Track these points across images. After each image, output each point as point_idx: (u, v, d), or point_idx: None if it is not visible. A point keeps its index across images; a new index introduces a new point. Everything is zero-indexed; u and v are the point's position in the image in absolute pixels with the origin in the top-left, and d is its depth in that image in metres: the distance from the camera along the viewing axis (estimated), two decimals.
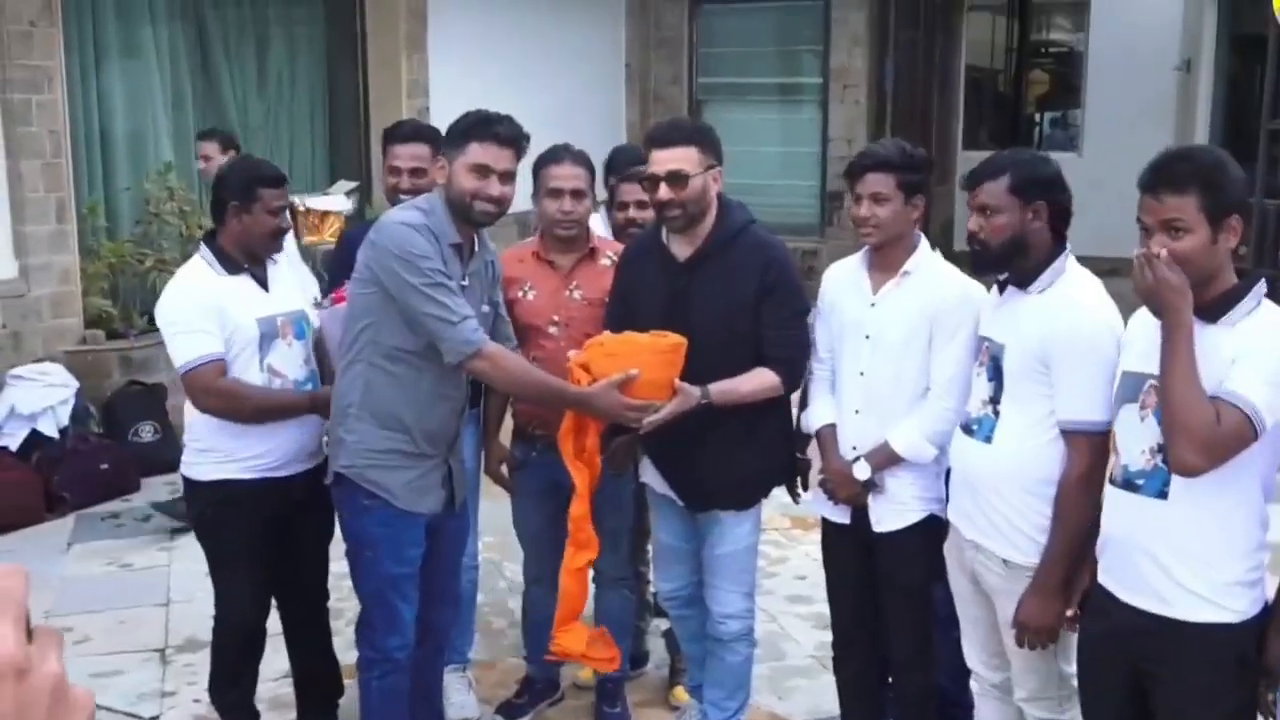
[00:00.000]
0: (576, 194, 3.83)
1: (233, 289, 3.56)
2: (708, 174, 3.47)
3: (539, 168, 3.85)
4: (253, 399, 3.53)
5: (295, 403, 3.59)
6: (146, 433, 7.04)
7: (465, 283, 3.30)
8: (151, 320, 7.38)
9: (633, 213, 4.17)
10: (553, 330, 3.85)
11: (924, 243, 3.43)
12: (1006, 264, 3.05)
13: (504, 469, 4.03)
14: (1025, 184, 2.99)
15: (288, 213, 3.70)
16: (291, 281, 3.81)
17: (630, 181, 4.28)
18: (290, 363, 3.62)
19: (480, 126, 3.27)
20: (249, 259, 3.62)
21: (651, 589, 4.36)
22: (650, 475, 3.76)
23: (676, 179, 3.42)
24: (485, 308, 3.43)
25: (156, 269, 7.36)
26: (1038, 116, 16.94)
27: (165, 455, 6.99)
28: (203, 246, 3.64)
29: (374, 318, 3.26)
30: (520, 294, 3.88)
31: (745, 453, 3.57)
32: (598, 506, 3.62)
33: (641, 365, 3.32)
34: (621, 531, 4.02)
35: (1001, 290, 3.14)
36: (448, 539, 3.58)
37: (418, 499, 3.39)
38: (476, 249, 3.40)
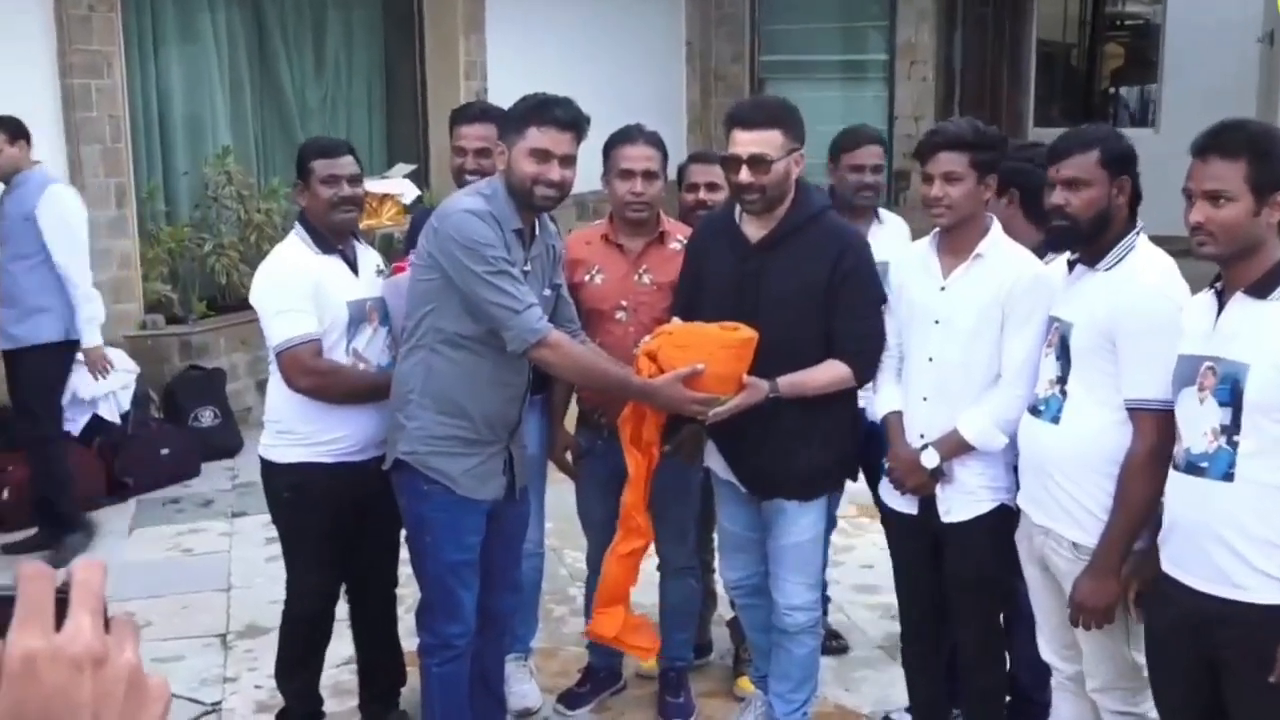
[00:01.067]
0: (649, 175, 3.84)
1: (326, 269, 3.62)
2: (790, 157, 3.46)
3: (610, 148, 3.87)
4: (349, 379, 3.60)
5: (384, 384, 3.63)
6: (206, 418, 7.15)
7: (528, 268, 3.33)
8: (210, 304, 7.53)
9: (703, 195, 4.18)
10: (620, 316, 3.86)
11: (996, 224, 3.41)
12: (1092, 240, 3.04)
13: (569, 456, 4.07)
14: (1114, 158, 3.00)
15: (347, 184, 3.67)
16: (373, 267, 3.85)
17: (702, 163, 4.28)
18: (374, 348, 3.68)
19: (539, 110, 3.29)
20: (337, 239, 3.67)
21: (717, 578, 4.37)
22: (714, 461, 3.77)
23: (759, 163, 3.41)
24: (547, 292, 3.46)
25: (215, 254, 7.50)
26: (1113, 92, 16.69)
27: (225, 441, 7.13)
28: (297, 225, 3.70)
29: (435, 303, 3.30)
30: (587, 278, 3.89)
31: (811, 443, 3.57)
32: (662, 494, 3.64)
33: (710, 359, 3.32)
34: (687, 520, 4.04)
35: (1071, 269, 3.14)
36: (509, 526, 3.62)
37: (478, 486, 3.43)
38: (538, 233, 3.43)
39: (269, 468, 3.71)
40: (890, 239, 4.20)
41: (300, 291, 3.54)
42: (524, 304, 3.20)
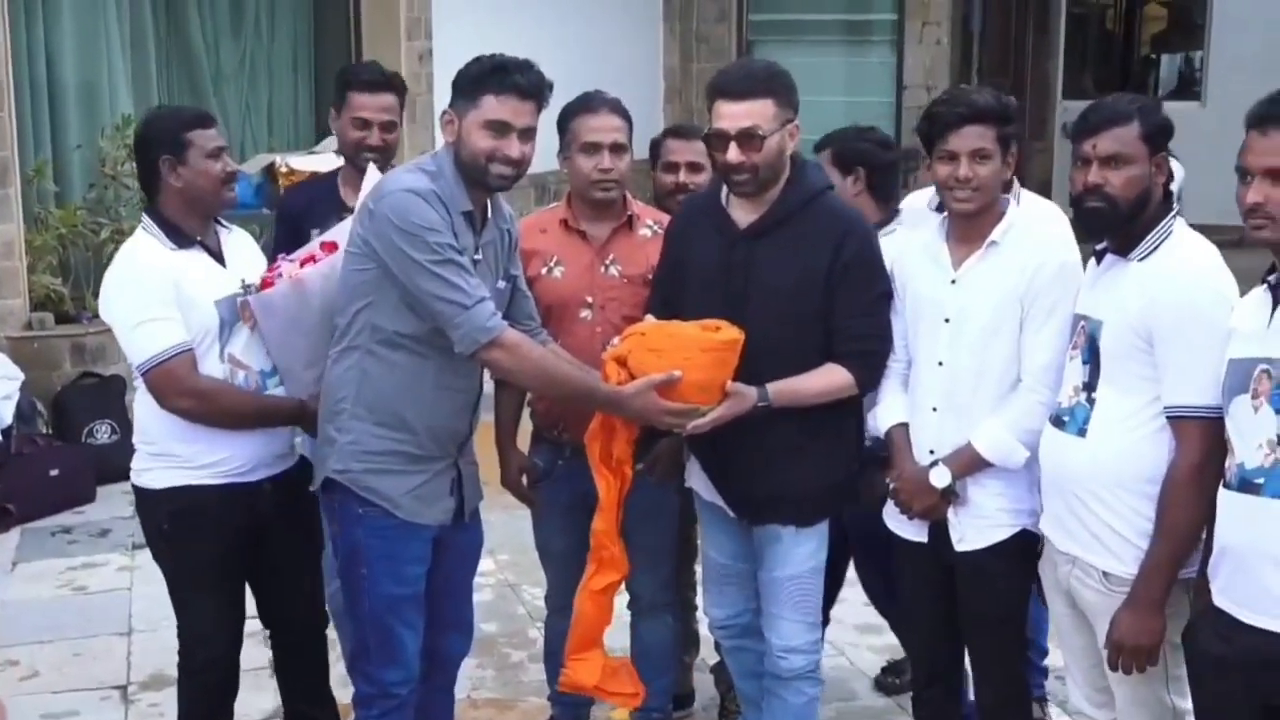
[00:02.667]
0: (616, 149, 3.85)
1: (185, 266, 3.54)
2: (784, 131, 3.48)
3: (568, 119, 3.88)
4: (234, 401, 3.56)
5: (281, 409, 3.63)
6: (102, 433, 7.12)
7: (478, 256, 3.35)
8: None
9: (683, 176, 4.20)
10: (585, 314, 3.87)
11: (1013, 207, 3.44)
12: (1132, 224, 3.07)
13: (524, 479, 4.03)
14: (1155, 132, 3.04)
15: (228, 159, 3.66)
16: (250, 251, 3.82)
17: (681, 138, 4.30)
18: (254, 352, 3.62)
19: (496, 75, 3.30)
20: (198, 227, 3.62)
21: (699, 616, 4.38)
22: (697, 480, 3.78)
23: (749, 139, 3.43)
24: (501, 284, 3.48)
25: (113, 240, 7.42)
26: (1153, 58, 16.81)
27: (124, 460, 6.95)
28: (144, 218, 3.63)
29: (371, 298, 3.31)
30: (544, 270, 3.90)
31: (809, 459, 3.59)
32: (634, 519, 3.66)
33: (687, 364, 3.33)
34: (661, 549, 4.05)
35: (1099, 260, 3.16)
36: (457, 555, 3.63)
37: (422, 508, 3.43)
38: (490, 216, 3.44)
39: (144, 496, 3.68)
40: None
41: (160, 296, 3.48)
42: (474, 298, 3.21)
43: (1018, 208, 3.47)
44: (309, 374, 3.60)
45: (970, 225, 3.40)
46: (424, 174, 3.30)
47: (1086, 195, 3.08)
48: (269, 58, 9.12)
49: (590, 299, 3.87)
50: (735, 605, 3.86)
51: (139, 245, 3.59)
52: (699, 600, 4.19)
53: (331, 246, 3.62)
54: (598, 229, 3.92)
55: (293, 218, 4.32)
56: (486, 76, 3.31)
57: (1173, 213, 3.10)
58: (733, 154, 3.44)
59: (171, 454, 3.59)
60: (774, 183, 3.51)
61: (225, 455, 3.58)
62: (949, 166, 3.34)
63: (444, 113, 3.40)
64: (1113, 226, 3.09)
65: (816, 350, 3.52)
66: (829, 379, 3.52)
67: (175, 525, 3.61)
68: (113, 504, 6.72)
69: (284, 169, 8.16)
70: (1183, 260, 3.02)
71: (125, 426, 7.12)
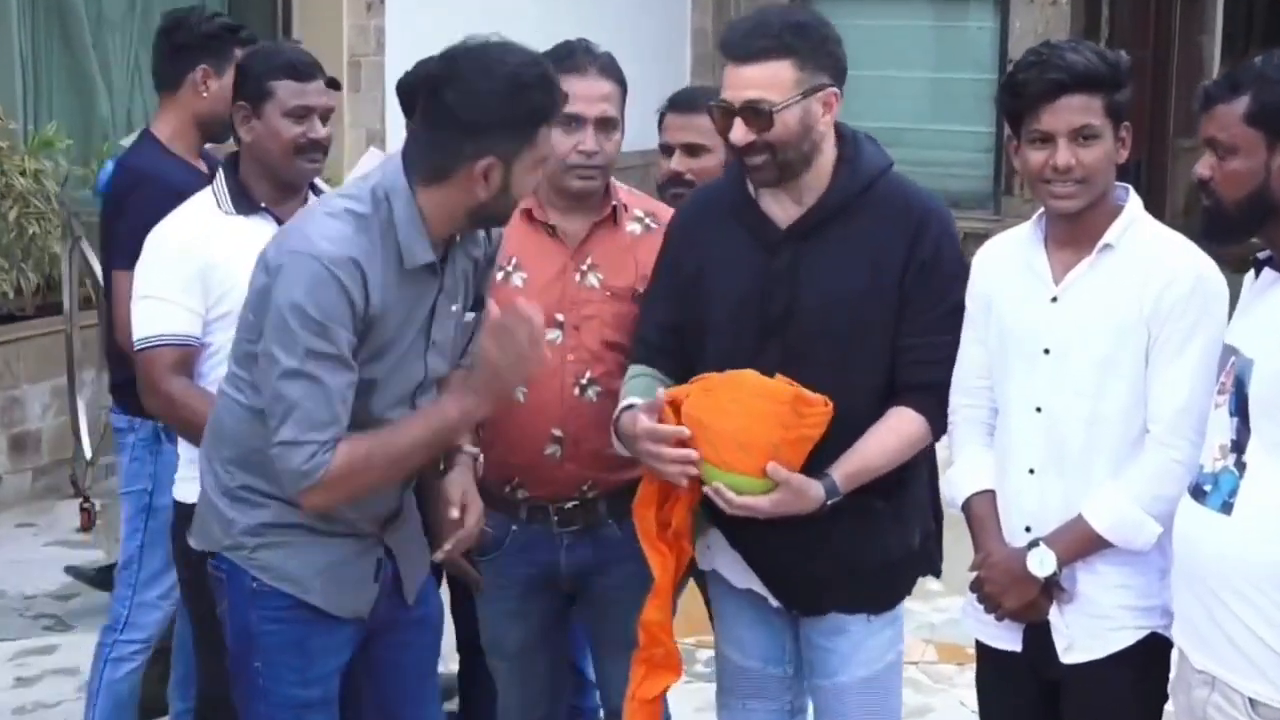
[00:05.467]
0: (605, 124, 3.88)
1: (241, 238, 3.76)
2: (811, 100, 3.49)
3: None
4: (195, 420, 3.76)
5: None
6: None
7: (441, 304, 3.42)
8: None
9: (679, 162, 4.24)
10: (553, 335, 3.83)
11: (1132, 198, 3.43)
12: (1248, 230, 3.06)
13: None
14: (1274, 110, 2.99)
15: (320, 121, 4.03)
16: None
17: (680, 111, 4.32)
18: None
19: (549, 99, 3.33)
20: (274, 192, 4.01)
21: None
22: (723, 559, 3.77)
23: (755, 113, 3.45)
24: (470, 316, 3.54)
25: None
26: None
27: None
28: (220, 173, 4.06)
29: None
30: (499, 277, 3.87)
31: (881, 522, 3.60)
32: (606, 601, 3.74)
33: (733, 408, 3.38)
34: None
35: (1258, 273, 3.13)
36: (399, 642, 3.63)
37: (336, 594, 3.45)
38: (458, 241, 3.46)
39: (178, 513, 4.00)
40: None
41: (179, 273, 3.89)
42: (305, 437, 3.23)
43: (1136, 201, 3.45)
44: None
45: (1075, 227, 3.39)
46: (351, 219, 3.28)
47: (1200, 188, 3.09)
48: (165, 3, 9.12)
49: (560, 316, 3.87)
50: None
51: (190, 204, 4.04)
52: None
53: None
54: (573, 224, 3.94)
55: (118, 210, 4.52)
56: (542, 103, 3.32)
57: None
58: (737, 132, 3.47)
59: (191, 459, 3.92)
60: (804, 166, 3.53)
61: None
62: (1043, 152, 3.33)
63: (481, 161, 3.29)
64: (1221, 231, 3.11)
65: (879, 376, 3.55)
66: (900, 433, 3.54)
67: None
68: None
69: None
70: None
71: None
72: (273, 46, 4.61)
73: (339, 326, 3.21)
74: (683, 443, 3.40)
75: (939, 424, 3.59)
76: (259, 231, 3.82)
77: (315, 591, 3.41)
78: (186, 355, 3.90)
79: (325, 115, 4.08)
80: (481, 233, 3.55)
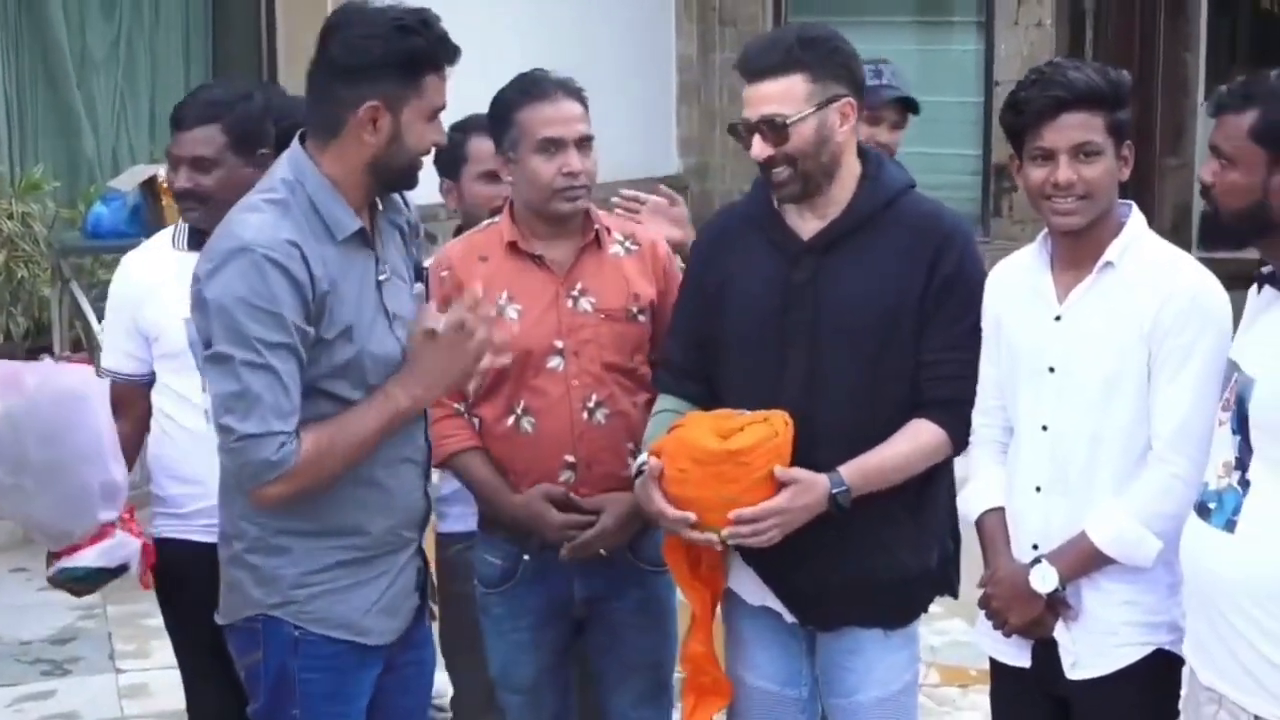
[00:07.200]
0: (584, 144, 3.90)
1: (183, 271, 3.66)
2: (828, 111, 3.53)
3: (510, 110, 3.92)
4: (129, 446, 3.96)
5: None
6: None
7: (383, 275, 3.41)
8: None
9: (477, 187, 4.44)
10: (554, 364, 3.87)
11: (1134, 215, 3.45)
12: (1242, 241, 3.08)
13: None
14: (1278, 129, 3.01)
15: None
16: None
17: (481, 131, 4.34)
18: None
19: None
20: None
21: None
22: (739, 577, 3.77)
23: (773, 126, 3.50)
24: (419, 286, 3.56)
25: None
26: None
27: None
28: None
29: None
30: (496, 313, 3.84)
31: (900, 534, 3.62)
32: (618, 627, 3.75)
33: (682, 476, 3.47)
34: (663, 664, 4.09)
35: (1260, 288, 3.15)
36: (400, 683, 3.61)
37: (387, 622, 3.47)
38: (381, 209, 3.47)
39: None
40: None
41: (119, 312, 4.10)
42: (268, 426, 3.20)
43: (1139, 218, 3.46)
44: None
45: (1078, 245, 3.41)
46: (271, 208, 3.28)
47: (1203, 193, 3.11)
48: (151, 41, 9.15)
49: (559, 343, 3.88)
50: None
51: (154, 238, 4.28)
52: None
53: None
54: (558, 251, 3.94)
55: None
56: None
57: None
58: (756, 147, 3.52)
59: (163, 496, 4.06)
60: (828, 179, 3.57)
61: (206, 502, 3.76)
62: (1044, 169, 3.34)
63: (364, 105, 3.31)
64: (1217, 237, 3.13)
65: (901, 391, 3.57)
66: (916, 441, 3.57)
67: (162, 588, 4.04)
68: None
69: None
70: None
71: None
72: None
73: (287, 312, 3.19)
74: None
75: (960, 438, 3.61)
76: None
77: (370, 632, 3.42)
78: (119, 391, 3.95)
79: (196, 163, 4.02)
80: (399, 199, 3.55)
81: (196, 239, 3.88)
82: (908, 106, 5.14)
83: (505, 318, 3.88)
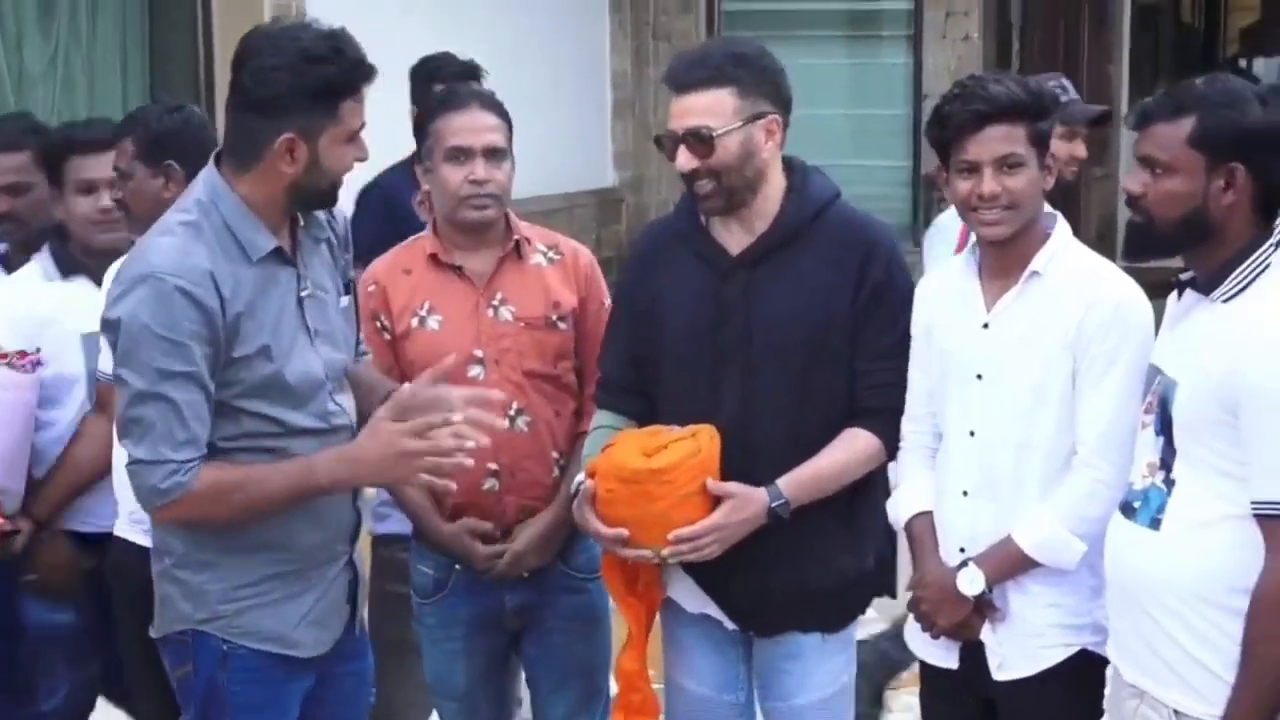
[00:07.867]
0: (492, 154, 3.91)
1: (58, 302, 3.85)
2: (754, 126, 3.56)
3: (430, 121, 3.97)
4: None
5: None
6: None
7: (305, 291, 3.38)
8: None
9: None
10: (474, 372, 3.88)
11: (1060, 225, 3.49)
12: (1175, 249, 3.11)
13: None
14: (1217, 135, 3.02)
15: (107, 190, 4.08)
16: None
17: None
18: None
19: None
20: (95, 254, 4.02)
21: None
22: (676, 585, 3.78)
23: (699, 139, 3.52)
24: (345, 300, 3.55)
25: None
26: (1242, 63, 16.99)
27: None
28: (50, 239, 4.18)
29: None
30: (415, 323, 3.93)
31: (837, 541, 3.65)
32: (551, 634, 3.79)
33: (610, 496, 3.50)
34: (596, 671, 4.11)
35: (1180, 293, 3.17)
36: (339, 695, 3.62)
37: (317, 634, 3.46)
38: (303, 226, 3.44)
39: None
40: None
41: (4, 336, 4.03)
42: (159, 455, 3.18)
43: (1064, 228, 3.51)
44: None
45: (1005, 254, 3.45)
46: (184, 230, 3.24)
47: (1129, 204, 3.13)
48: (88, 56, 9.07)
49: (479, 352, 3.90)
50: None
51: (22, 272, 4.22)
52: None
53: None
54: (478, 262, 3.97)
55: None
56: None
57: (1273, 241, 3.07)
58: (681, 158, 3.55)
59: (118, 498, 4.09)
60: (751, 193, 3.60)
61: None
62: (970, 181, 3.38)
63: (280, 138, 3.24)
64: (1147, 248, 3.14)
65: (836, 402, 3.60)
66: (852, 449, 3.60)
67: (119, 589, 4.10)
68: None
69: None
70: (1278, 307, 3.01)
71: None
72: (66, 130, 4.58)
73: (191, 341, 3.14)
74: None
75: (894, 445, 3.63)
76: (77, 293, 4.12)
77: (300, 644, 3.41)
78: (103, 391, 4.04)
79: (111, 185, 4.13)
80: (324, 215, 3.51)
81: (65, 264, 4.17)
82: (1098, 120, 5.21)
83: (426, 328, 3.93)
